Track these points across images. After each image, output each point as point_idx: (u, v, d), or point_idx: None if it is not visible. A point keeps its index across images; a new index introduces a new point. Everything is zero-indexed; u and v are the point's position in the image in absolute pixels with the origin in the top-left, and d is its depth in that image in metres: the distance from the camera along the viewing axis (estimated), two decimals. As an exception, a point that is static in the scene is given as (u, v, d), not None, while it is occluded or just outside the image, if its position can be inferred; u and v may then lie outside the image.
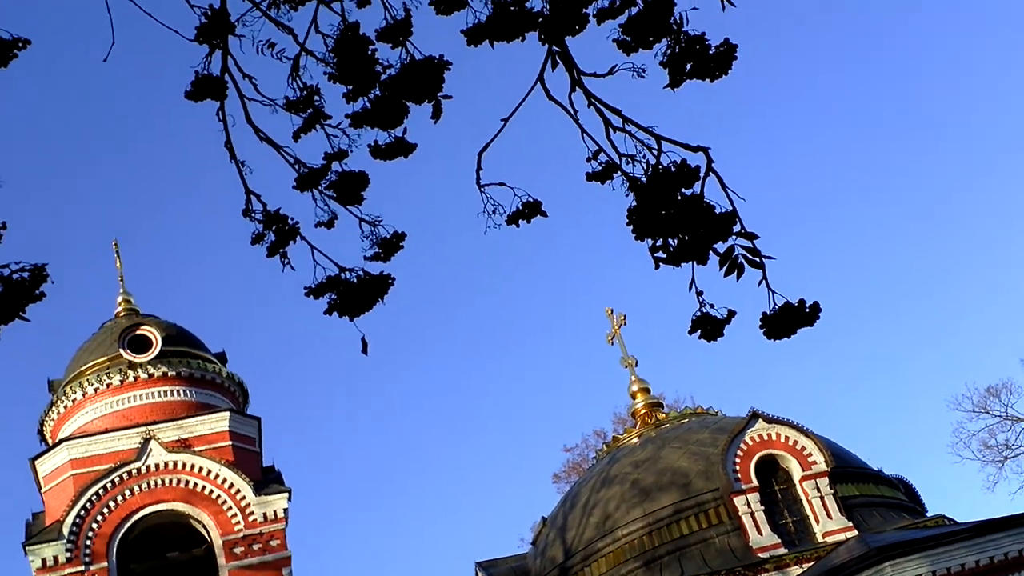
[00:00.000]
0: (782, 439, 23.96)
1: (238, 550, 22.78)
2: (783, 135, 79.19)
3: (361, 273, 6.66)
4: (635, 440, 26.93)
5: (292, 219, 6.81)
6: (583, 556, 24.38)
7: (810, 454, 23.79)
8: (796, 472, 23.75)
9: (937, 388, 72.30)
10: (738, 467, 23.46)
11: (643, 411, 28.08)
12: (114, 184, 77.44)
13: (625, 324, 28.67)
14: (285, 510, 23.35)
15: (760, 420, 24.13)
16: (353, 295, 6.57)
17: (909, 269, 76.59)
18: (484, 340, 79.50)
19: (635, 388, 28.44)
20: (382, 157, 6.51)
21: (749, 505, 23.07)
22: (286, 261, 6.78)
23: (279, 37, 6.98)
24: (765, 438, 23.94)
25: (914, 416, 71.01)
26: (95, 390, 24.85)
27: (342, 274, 6.70)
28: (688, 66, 5.52)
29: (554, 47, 5.88)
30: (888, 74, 77.56)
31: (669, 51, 5.54)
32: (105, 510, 22.82)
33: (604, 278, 72.08)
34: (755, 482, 23.32)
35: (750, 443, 23.82)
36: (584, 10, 5.75)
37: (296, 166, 6.99)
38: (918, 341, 75.17)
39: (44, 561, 22.08)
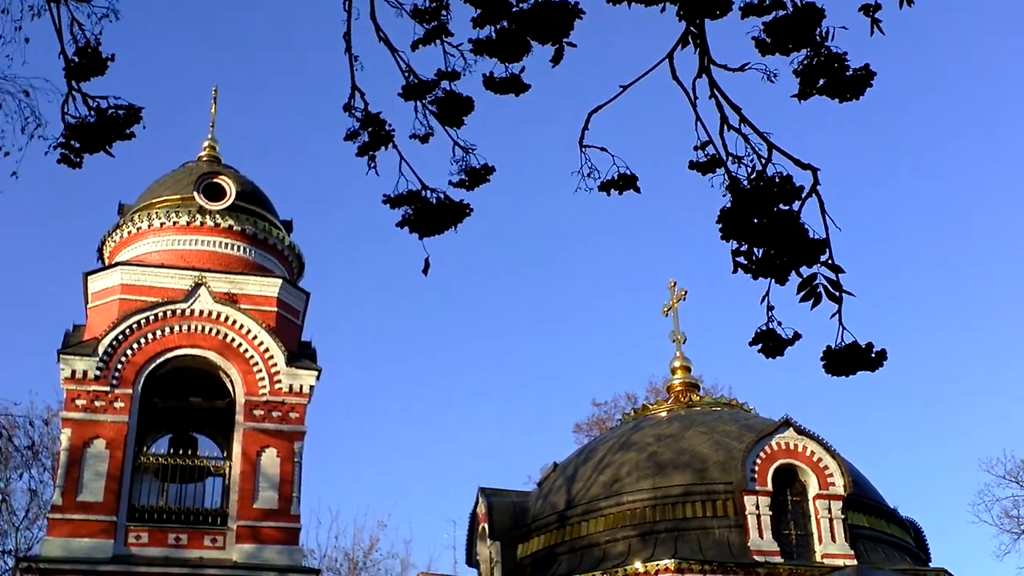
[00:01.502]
0: (807, 453, 23.84)
1: (258, 412, 23.16)
2: (888, 174, 78.01)
3: (442, 195, 6.62)
4: (663, 414, 26.93)
5: (389, 125, 6.78)
6: (584, 510, 24.55)
7: (831, 475, 23.67)
8: (812, 488, 23.66)
9: (973, 444, 71.42)
10: (757, 468, 23.42)
11: (679, 388, 28.05)
12: (230, 35, 77.82)
13: (684, 299, 28.52)
14: (311, 387, 23.65)
15: (790, 428, 24.01)
16: (429, 215, 6.54)
17: (979, 322, 75.34)
18: (546, 282, 79.54)
19: (677, 364, 28.38)
20: (494, 90, 6.43)
21: (758, 507, 23.06)
22: (373, 164, 6.76)
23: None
24: (791, 447, 23.84)
25: (943, 464, 70.29)
26: (160, 224, 25.18)
27: (423, 191, 6.67)
28: (821, 81, 5.39)
29: (691, 27, 5.74)
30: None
31: (806, 61, 5.39)
32: (143, 340, 23.25)
33: (677, 251, 71.62)
34: (769, 487, 23.29)
35: (775, 448, 23.73)
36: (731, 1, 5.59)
37: (407, 74, 6.92)
38: (968, 392, 74.12)
39: (74, 372, 22.59)
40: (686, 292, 28.58)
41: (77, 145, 6.23)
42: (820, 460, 23.79)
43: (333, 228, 74.01)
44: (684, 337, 28.59)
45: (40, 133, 14.16)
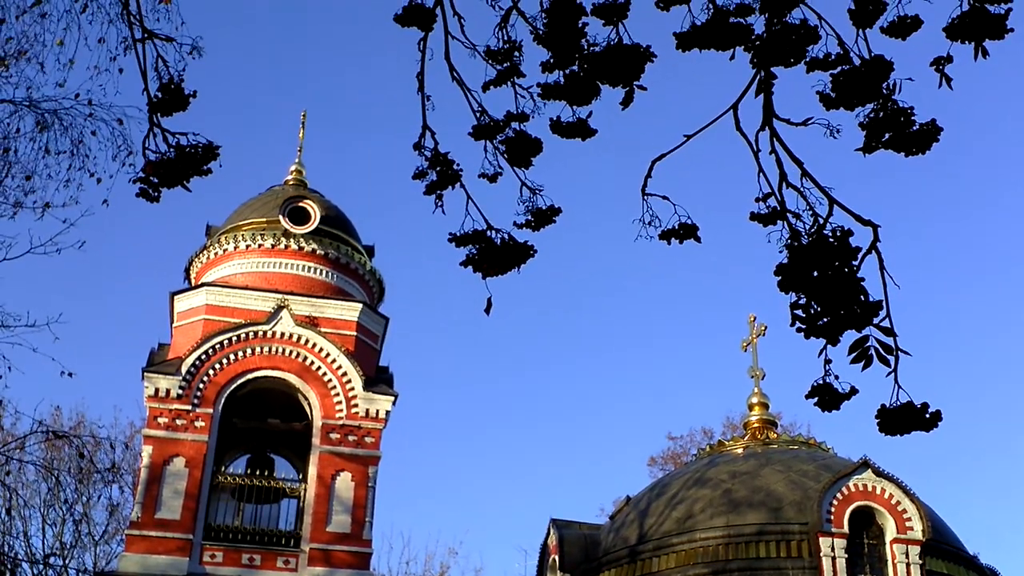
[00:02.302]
0: (885, 495, 23.40)
1: (334, 436, 23.41)
2: (955, 230, 76.73)
3: (506, 236, 6.67)
4: (739, 450, 26.65)
5: (457, 164, 6.86)
6: (656, 546, 24.36)
7: (909, 518, 23.20)
8: (890, 532, 23.21)
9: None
10: (833, 509, 23.04)
11: (756, 425, 27.74)
12: (322, 61, 79.10)
13: (764, 335, 28.24)
14: (388, 412, 23.85)
15: (869, 470, 23.59)
16: (492, 255, 6.58)
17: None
18: (625, 313, 79.19)
19: (754, 400, 28.08)
20: (561, 134, 6.48)
21: (833, 549, 22.68)
22: (440, 203, 6.84)
23: (498, -15, 6.98)
24: (868, 489, 23.42)
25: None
26: (247, 247, 25.65)
27: (488, 231, 6.72)
28: (886, 135, 5.35)
29: (761, 74, 5.74)
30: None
31: (872, 115, 5.37)
32: (225, 360, 23.66)
33: (759, 286, 70.97)
34: (846, 529, 22.89)
35: (852, 490, 23.33)
36: (806, 48, 5.59)
37: (479, 114, 7.01)
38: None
39: (157, 391, 23.07)
40: (766, 328, 28.32)
41: (155, 180, 6.42)
42: (899, 503, 23.33)
43: (414, 254, 74.55)
44: (763, 373, 28.31)
45: (131, 161, 14.58)
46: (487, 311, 6.80)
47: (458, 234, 6.73)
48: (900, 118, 5.39)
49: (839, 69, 5.38)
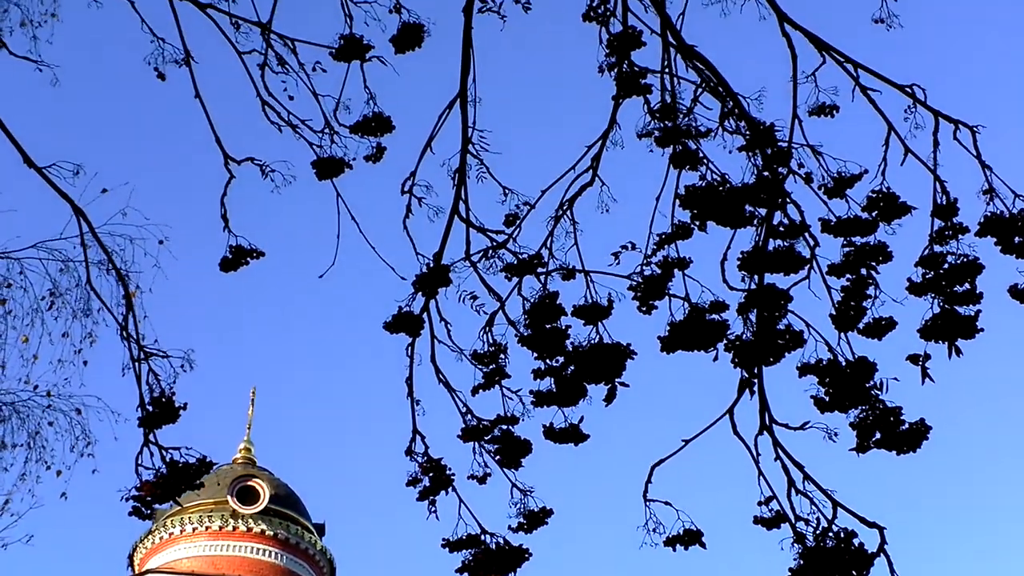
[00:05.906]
0: None
1: None
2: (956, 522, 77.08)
3: (501, 541, 6.63)
4: None
5: (450, 469, 6.87)
6: None
7: None
8: None
9: None
10: None
11: None
12: (271, 334, 79.31)
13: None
14: None
15: None
16: (489, 560, 6.54)
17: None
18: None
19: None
20: (554, 440, 6.57)
21: None
22: (433, 509, 6.81)
23: (482, 292, 7.23)
24: None
25: None
26: (193, 529, 25.09)
27: (482, 535, 6.69)
28: (877, 435, 5.52)
29: (749, 377, 5.93)
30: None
31: (862, 416, 5.55)
32: (169, 654, 22.72)
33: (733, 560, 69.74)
34: None
35: None
36: (784, 352, 5.82)
37: (466, 415, 7.11)
38: None
39: None
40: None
41: (150, 499, 6.35)
42: None
43: (368, 528, 72.70)
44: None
45: (89, 451, 14.34)
46: (486, 617, 6.65)
47: (452, 539, 6.69)
48: (889, 418, 5.57)
49: (827, 372, 5.59)
